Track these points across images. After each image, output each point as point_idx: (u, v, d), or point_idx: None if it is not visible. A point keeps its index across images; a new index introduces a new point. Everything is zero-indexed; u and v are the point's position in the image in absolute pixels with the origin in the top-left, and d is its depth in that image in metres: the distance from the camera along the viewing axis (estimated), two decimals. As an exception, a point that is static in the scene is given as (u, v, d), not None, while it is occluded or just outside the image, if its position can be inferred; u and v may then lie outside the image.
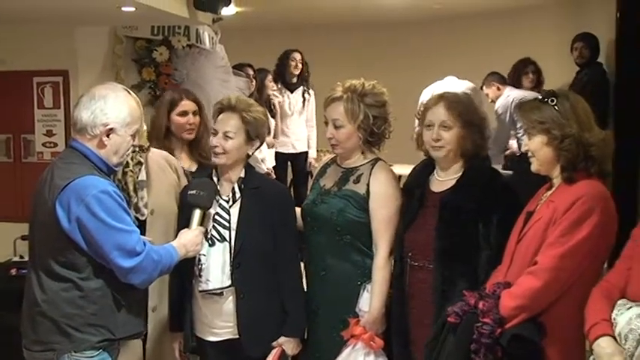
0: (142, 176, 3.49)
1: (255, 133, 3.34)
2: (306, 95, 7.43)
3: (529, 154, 2.84)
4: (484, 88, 7.21)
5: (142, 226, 3.46)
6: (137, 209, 3.45)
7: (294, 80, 7.44)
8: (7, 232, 4.54)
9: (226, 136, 3.29)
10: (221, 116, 3.35)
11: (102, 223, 2.76)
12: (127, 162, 3.47)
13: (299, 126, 7.47)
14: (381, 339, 3.30)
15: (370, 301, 3.29)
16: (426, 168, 3.31)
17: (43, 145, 4.68)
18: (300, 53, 7.44)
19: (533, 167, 2.85)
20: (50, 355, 2.85)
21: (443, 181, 3.21)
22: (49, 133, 4.66)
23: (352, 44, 9.36)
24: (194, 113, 4.07)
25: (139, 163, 3.49)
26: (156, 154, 3.67)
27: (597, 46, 6.56)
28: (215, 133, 3.34)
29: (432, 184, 3.25)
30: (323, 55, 8.32)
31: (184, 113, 4.04)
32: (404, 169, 3.92)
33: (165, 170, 3.66)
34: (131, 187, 3.45)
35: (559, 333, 2.68)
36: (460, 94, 3.31)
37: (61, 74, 4.63)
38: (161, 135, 4.03)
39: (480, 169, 3.18)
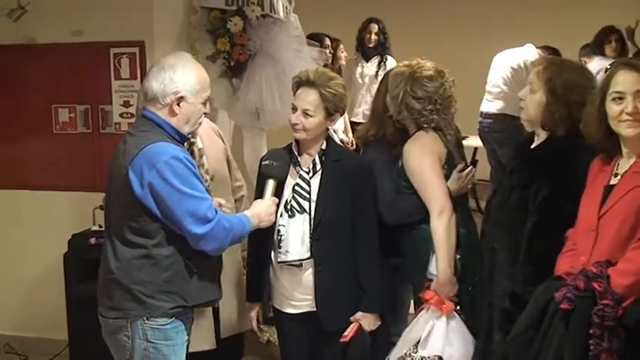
0: (199, 144, 3.51)
1: (334, 109, 3.29)
2: (382, 65, 7.32)
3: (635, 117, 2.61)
4: None
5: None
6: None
7: (370, 49, 7.38)
8: (85, 202, 4.60)
9: (306, 114, 3.24)
10: (299, 91, 3.29)
11: (173, 189, 2.78)
12: None
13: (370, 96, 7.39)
14: (452, 302, 3.25)
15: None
16: (528, 139, 3.16)
17: (120, 115, 4.71)
18: (379, 23, 7.35)
19: (633, 132, 2.63)
20: (124, 322, 2.90)
21: None
22: (126, 104, 4.69)
23: (426, 13, 9.14)
24: None
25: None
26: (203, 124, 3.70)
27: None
28: (294, 109, 3.28)
29: None
30: (401, 23, 8.14)
31: None
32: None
33: (213, 137, 3.67)
34: (197, 155, 3.48)
35: None
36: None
37: (137, 45, 4.63)
38: (378, 117, 3.61)
39: (554, 142, 2.99)
